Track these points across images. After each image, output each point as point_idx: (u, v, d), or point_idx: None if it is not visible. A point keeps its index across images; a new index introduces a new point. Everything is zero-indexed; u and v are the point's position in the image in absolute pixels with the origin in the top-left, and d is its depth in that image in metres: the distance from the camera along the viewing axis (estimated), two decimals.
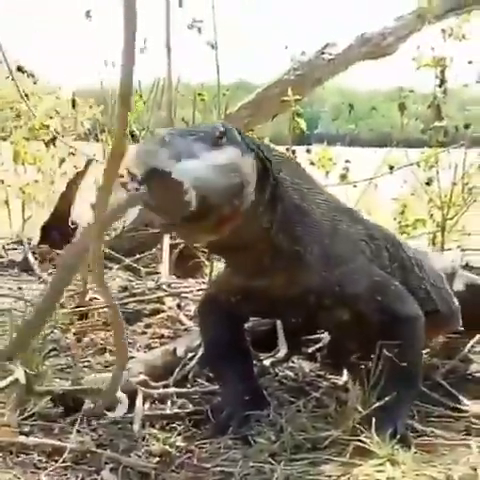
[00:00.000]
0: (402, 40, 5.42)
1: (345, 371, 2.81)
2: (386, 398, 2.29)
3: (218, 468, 2.11)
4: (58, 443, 2.18)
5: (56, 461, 2.11)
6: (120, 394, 2.42)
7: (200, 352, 2.91)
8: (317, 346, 3.23)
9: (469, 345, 3.15)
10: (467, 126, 4.72)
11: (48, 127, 5.34)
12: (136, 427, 2.34)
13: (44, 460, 2.13)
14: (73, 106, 6.18)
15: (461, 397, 2.69)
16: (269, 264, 2.24)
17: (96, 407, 2.34)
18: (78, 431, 2.30)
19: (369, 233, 2.57)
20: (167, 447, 2.21)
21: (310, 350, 3.22)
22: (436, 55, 4.52)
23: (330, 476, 2.05)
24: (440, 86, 4.59)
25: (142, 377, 2.62)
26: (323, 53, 5.38)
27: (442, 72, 4.51)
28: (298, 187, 2.29)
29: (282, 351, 3.09)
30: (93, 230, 1.98)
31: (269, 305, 2.43)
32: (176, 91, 5.38)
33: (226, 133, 2.00)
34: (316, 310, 2.39)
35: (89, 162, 5.15)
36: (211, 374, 2.78)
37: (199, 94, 5.15)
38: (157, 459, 2.16)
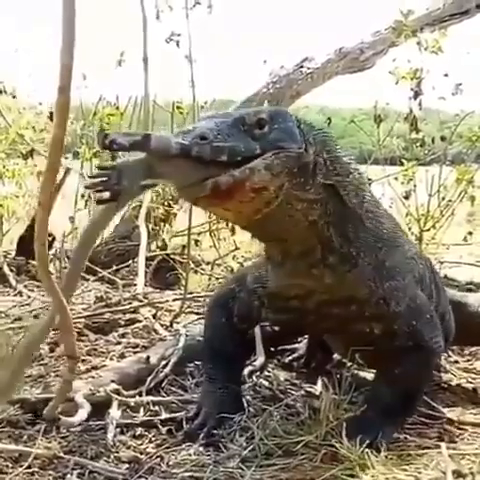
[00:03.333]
0: (379, 54, 5.47)
1: (320, 379, 2.80)
2: (366, 406, 2.34)
3: (187, 473, 2.09)
4: (23, 449, 2.16)
5: (22, 467, 2.09)
6: (81, 399, 2.40)
7: (174, 359, 2.91)
8: (294, 355, 3.24)
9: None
10: (443, 138, 4.75)
11: (23, 136, 5.31)
12: (110, 435, 2.32)
13: (10, 466, 2.11)
14: (51, 120, 6.16)
15: (435, 405, 2.68)
16: (319, 261, 2.21)
17: (48, 411, 2.29)
18: (47, 438, 2.27)
19: (416, 251, 2.59)
20: (137, 453, 2.20)
21: (287, 359, 3.22)
22: (412, 67, 4.55)
23: None
24: (415, 98, 4.61)
25: (114, 385, 2.60)
26: (302, 67, 5.40)
27: (418, 84, 4.54)
28: (363, 193, 2.27)
29: (259, 360, 3.08)
30: (37, 236, 1.96)
31: (299, 312, 2.38)
32: (154, 104, 5.38)
33: (273, 121, 2.01)
34: (349, 320, 2.35)
35: (66, 173, 5.11)
36: (202, 367, 2.78)
37: (178, 107, 5.15)
38: (126, 465, 2.14)
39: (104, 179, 1.84)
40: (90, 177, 1.81)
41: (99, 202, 1.84)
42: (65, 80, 1.79)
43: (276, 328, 3.25)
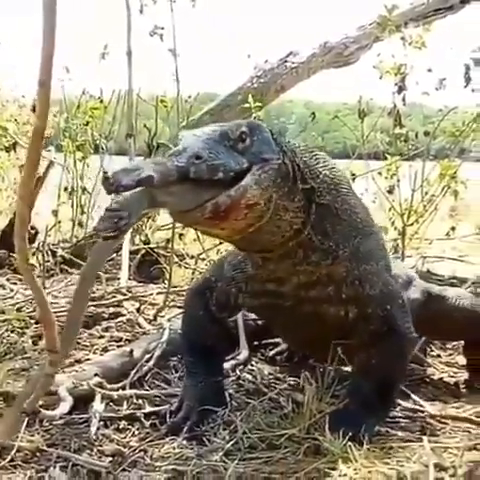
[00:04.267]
0: (364, 49, 5.48)
1: (303, 373, 2.81)
2: (347, 399, 2.37)
3: (171, 466, 2.09)
4: (6, 442, 2.15)
5: (4, 460, 2.08)
6: (63, 393, 2.40)
7: (157, 352, 2.91)
8: (277, 349, 3.24)
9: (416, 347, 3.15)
10: (427, 133, 4.76)
11: (6, 130, 5.28)
12: (93, 428, 2.32)
13: None
14: (34, 113, 6.11)
15: (417, 398, 2.70)
16: (301, 260, 2.27)
17: (29, 404, 2.28)
18: (30, 431, 2.27)
19: (385, 241, 2.63)
20: (120, 447, 2.20)
21: (270, 353, 3.24)
22: (396, 62, 4.56)
23: (283, 473, 2.05)
24: (399, 93, 4.62)
25: (98, 379, 2.60)
26: (286, 61, 5.41)
27: (402, 79, 4.55)
28: (335, 187, 2.32)
29: (243, 354, 3.09)
30: (16, 229, 1.95)
31: (277, 295, 2.41)
32: (138, 98, 5.37)
33: (252, 134, 2.07)
34: (326, 302, 2.39)
35: (49, 166, 5.10)
36: (182, 360, 2.79)
37: (162, 101, 5.13)
38: (109, 459, 2.14)
39: (115, 220, 1.83)
40: (101, 221, 1.81)
41: (106, 238, 1.84)
42: (45, 73, 1.79)
43: (259, 322, 3.27)
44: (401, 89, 4.59)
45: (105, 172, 1.85)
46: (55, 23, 1.75)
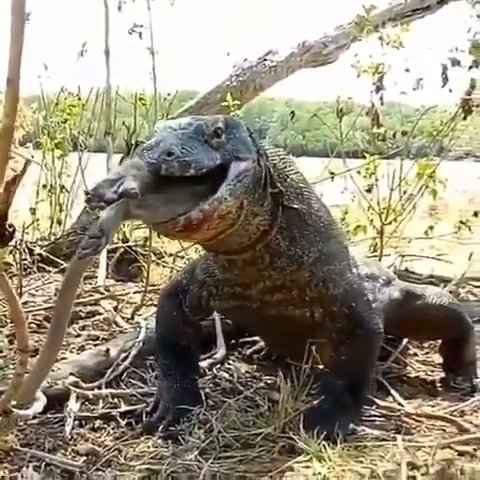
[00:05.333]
0: (342, 49, 5.50)
1: (279, 372, 2.81)
2: (321, 398, 2.38)
3: (145, 466, 2.09)
4: None
5: None
6: (37, 392, 2.38)
7: (134, 351, 2.90)
8: (254, 348, 3.25)
9: (400, 348, 3.19)
10: (405, 133, 4.78)
11: None
12: (68, 428, 2.31)
13: None
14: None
15: (396, 394, 2.72)
16: (267, 266, 2.29)
17: (0, 403, 2.27)
18: (4, 430, 2.25)
19: (346, 243, 2.67)
20: (94, 446, 2.19)
21: (248, 352, 3.24)
22: (374, 61, 4.57)
23: (257, 472, 2.05)
24: (377, 92, 4.64)
25: (73, 378, 2.59)
26: (265, 60, 5.41)
27: (380, 79, 4.56)
28: (301, 192, 2.34)
29: (220, 352, 3.09)
30: None
31: (244, 298, 2.43)
32: (116, 95, 5.35)
33: (228, 131, 2.07)
34: (291, 304, 2.41)
35: (27, 164, 5.06)
36: (156, 360, 2.78)
37: (140, 99, 5.13)
38: (83, 458, 2.13)
39: (95, 244, 1.82)
40: (83, 248, 1.80)
41: (82, 257, 1.83)
42: (13, 71, 1.77)
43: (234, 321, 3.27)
44: (379, 88, 4.61)
45: (87, 192, 1.85)
46: (24, 20, 1.74)
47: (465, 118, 4.65)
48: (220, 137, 2.04)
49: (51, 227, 5.46)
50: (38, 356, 2.19)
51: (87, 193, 1.84)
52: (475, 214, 5.35)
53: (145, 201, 1.88)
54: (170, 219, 1.92)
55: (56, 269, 4.54)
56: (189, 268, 2.66)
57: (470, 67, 4.57)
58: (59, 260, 4.65)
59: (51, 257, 4.70)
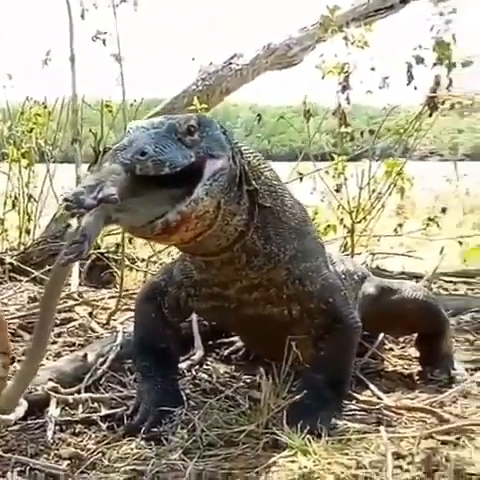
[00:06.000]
0: (307, 50, 5.53)
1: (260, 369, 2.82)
2: (303, 393, 2.36)
3: (129, 467, 2.08)
4: None
5: None
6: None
7: (112, 355, 2.89)
8: (232, 348, 3.25)
9: (376, 343, 3.21)
10: (372, 132, 4.82)
11: None
12: (49, 433, 2.29)
13: None
14: None
15: (375, 389, 2.73)
16: (244, 265, 2.29)
17: None
18: None
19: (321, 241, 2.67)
20: (77, 450, 2.18)
21: (225, 352, 3.25)
22: (339, 61, 4.60)
23: (243, 469, 2.05)
24: (343, 92, 4.67)
25: (52, 384, 2.57)
26: (231, 63, 5.43)
27: (346, 78, 4.59)
28: (275, 189, 2.34)
29: (198, 354, 3.09)
30: None
31: (222, 298, 2.43)
32: (83, 103, 5.33)
33: (201, 128, 2.06)
34: (268, 303, 2.42)
35: None
36: (134, 364, 2.76)
37: (107, 106, 5.11)
38: (67, 462, 2.12)
39: (77, 249, 1.80)
40: (66, 254, 1.79)
41: (65, 264, 1.82)
42: None
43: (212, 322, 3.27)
44: (345, 88, 4.64)
45: (66, 199, 1.83)
46: None
47: (431, 115, 4.70)
48: (193, 135, 2.04)
49: (20, 237, 5.42)
50: (21, 364, 2.18)
51: (66, 199, 1.82)
52: (443, 210, 5.41)
53: (124, 205, 1.87)
54: (148, 222, 1.91)
55: (27, 278, 4.51)
56: (167, 270, 2.65)
57: (434, 64, 4.61)
58: (30, 269, 4.61)
59: (22, 266, 4.67)
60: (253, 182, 2.24)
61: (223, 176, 2.06)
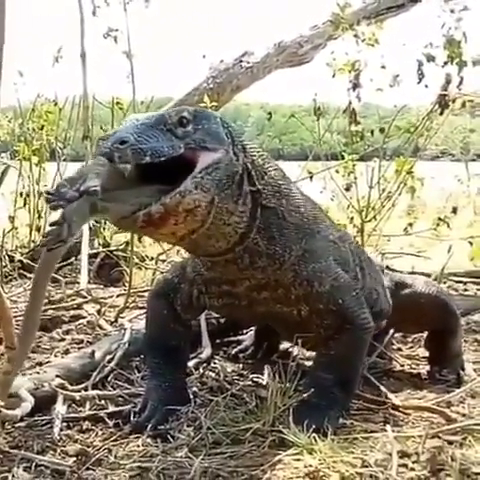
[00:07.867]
0: (318, 48, 5.53)
1: (266, 369, 2.81)
2: (310, 392, 2.36)
3: (135, 464, 2.08)
4: None
5: None
6: (24, 393, 2.37)
7: (119, 353, 2.90)
8: (240, 347, 3.25)
9: (384, 342, 3.19)
10: (382, 130, 4.80)
11: None
12: (56, 429, 2.30)
13: None
14: None
15: (384, 389, 2.72)
16: (247, 265, 2.27)
17: None
18: None
19: (339, 235, 2.62)
20: (84, 447, 2.18)
21: (233, 351, 3.25)
22: (350, 59, 4.58)
23: (248, 467, 2.05)
24: (354, 90, 4.65)
25: (59, 380, 2.58)
26: (241, 61, 5.43)
27: (356, 76, 4.58)
28: (279, 189, 2.31)
29: (206, 352, 3.09)
30: None
31: (232, 296, 2.42)
32: (94, 101, 5.34)
33: (196, 121, 2.04)
34: (277, 303, 2.41)
35: (5, 172, 5.05)
36: (144, 360, 2.77)
37: (117, 103, 5.11)
38: (73, 458, 2.12)
39: (58, 233, 1.81)
40: (45, 236, 1.80)
41: (50, 250, 1.83)
42: None
43: (221, 320, 3.28)
44: (356, 86, 4.62)
45: (47, 192, 1.84)
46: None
47: (441, 113, 4.68)
48: (186, 127, 2.01)
49: (30, 234, 5.43)
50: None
51: (48, 193, 1.83)
52: (454, 210, 5.38)
53: (113, 196, 1.87)
54: (131, 213, 1.90)
55: None
56: (180, 266, 2.63)
57: (445, 62, 4.59)
58: None
59: (32, 264, 4.67)
60: (256, 182, 2.21)
61: (218, 170, 2.03)
